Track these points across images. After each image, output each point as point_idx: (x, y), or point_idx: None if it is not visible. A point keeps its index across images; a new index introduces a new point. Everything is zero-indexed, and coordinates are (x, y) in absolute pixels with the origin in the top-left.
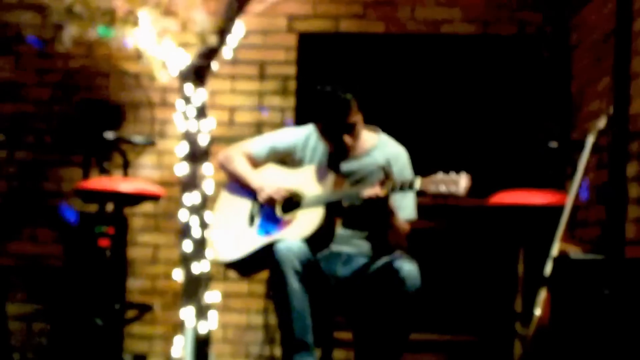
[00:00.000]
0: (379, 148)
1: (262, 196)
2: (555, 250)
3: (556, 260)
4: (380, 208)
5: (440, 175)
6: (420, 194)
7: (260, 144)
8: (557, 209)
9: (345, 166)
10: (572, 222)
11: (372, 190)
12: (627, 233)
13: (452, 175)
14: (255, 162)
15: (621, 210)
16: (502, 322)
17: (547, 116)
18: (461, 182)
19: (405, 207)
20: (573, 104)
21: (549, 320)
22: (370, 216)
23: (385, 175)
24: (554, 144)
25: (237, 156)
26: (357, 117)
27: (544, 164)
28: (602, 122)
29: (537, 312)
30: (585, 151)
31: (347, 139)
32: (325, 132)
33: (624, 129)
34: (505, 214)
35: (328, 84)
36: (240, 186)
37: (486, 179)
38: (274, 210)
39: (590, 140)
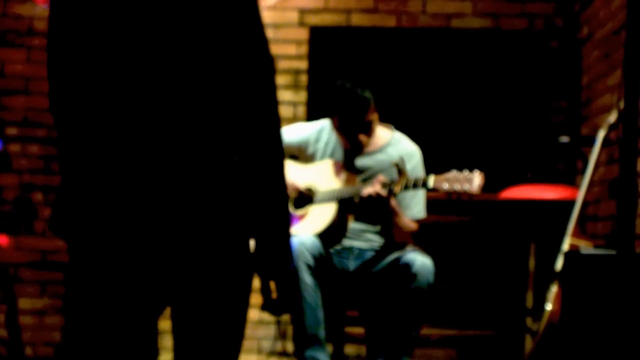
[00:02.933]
0: (392, 145)
1: None
2: (566, 245)
3: (567, 255)
4: (381, 206)
5: (453, 173)
6: (433, 191)
7: None
8: (568, 204)
9: (359, 162)
10: (582, 217)
11: (371, 189)
12: (638, 229)
13: (466, 173)
14: None
15: (631, 205)
16: (513, 317)
17: (558, 110)
18: (474, 180)
19: (414, 206)
20: (583, 98)
21: (560, 315)
22: (371, 214)
23: (399, 172)
24: (565, 139)
25: None
26: (373, 116)
27: (555, 159)
28: (612, 117)
29: (548, 307)
30: (596, 146)
31: (362, 137)
32: (341, 129)
33: (634, 123)
34: (516, 209)
35: (348, 79)
36: None
37: (497, 173)
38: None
39: (601, 134)
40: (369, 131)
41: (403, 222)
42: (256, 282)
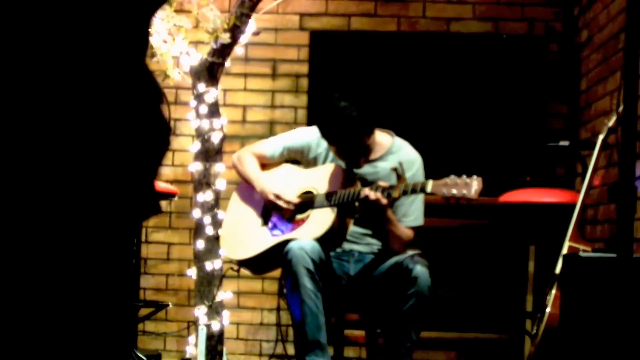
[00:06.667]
0: (393, 152)
1: (275, 206)
2: (565, 249)
3: (566, 259)
4: (378, 211)
5: (452, 178)
6: (431, 196)
7: (274, 144)
8: (567, 208)
9: (359, 170)
10: (581, 221)
11: (369, 191)
12: (636, 232)
13: (464, 178)
14: (269, 162)
15: (630, 208)
16: (512, 320)
17: (557, 114)
18: (473, 185)
19: (412, 213)
20: (582, 102)
21: (559, 318)
22: (369, 218)
23: (398, 177)
24: (564, 143)
25: (247, 157)
26: (370, 140)
27: (554, 163)
28: (611, 121)
29: (548, 310)
30: (595, 150)
31: (359, 158)
32: (339, 152)
33: (633, 127)
34: (515, 213)
35: (342, 105)
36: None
37: (496, 177)
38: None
39: (600, 138)
40: (367, 153)
41: (398, 230)
42: (271, 286)
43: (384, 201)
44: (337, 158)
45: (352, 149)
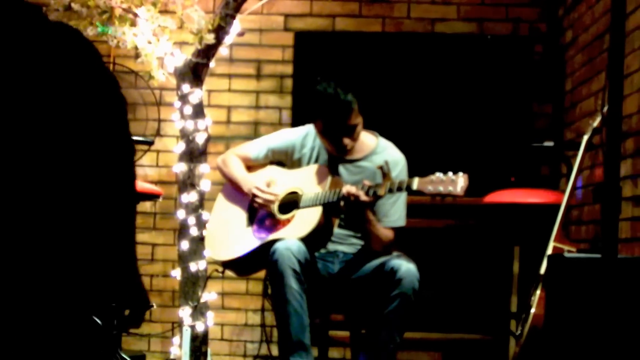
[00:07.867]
0: (378, 153)
1: (256, 202)
2: (550, 249)
3: (551, 259)
4: (361, 209)
5: (437, 175)
6: (417, 194)
7: (258, 145)
8: (552, 208)
9: (344, 169)
10: (566, 221)
11: (351, 187)
12: (621, 232)
13: (450, 175)
14: (254, 164)
15: (615, 209)
16: (497, 320)
17: (541, 115)
18: (459, 182)
19: (393, 214)
20: (567, 103)
21: (544, 319)
22: (352, 216)
23: (383, 174)
24: (549, 143)
25: (232, 159)
26: (357, 119)
27: (539, 163)
28: (596, 121)
29: (532, 310)
30: (580, 150)
31: (346, 140)
32: (325, 133)
33: (618, 128)
34: (500, 213)
35: (330, 81)
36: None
37: (481, 178)
38: (271, 211)
39: (584, 139)
40: (353, 134)
41: (378, 231)
42: (255, 287)
43: (365, 198)
44: (322, 156)
45: (337, 126)
